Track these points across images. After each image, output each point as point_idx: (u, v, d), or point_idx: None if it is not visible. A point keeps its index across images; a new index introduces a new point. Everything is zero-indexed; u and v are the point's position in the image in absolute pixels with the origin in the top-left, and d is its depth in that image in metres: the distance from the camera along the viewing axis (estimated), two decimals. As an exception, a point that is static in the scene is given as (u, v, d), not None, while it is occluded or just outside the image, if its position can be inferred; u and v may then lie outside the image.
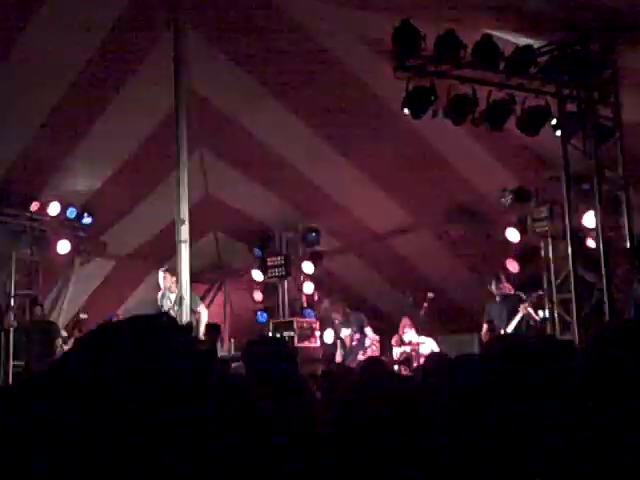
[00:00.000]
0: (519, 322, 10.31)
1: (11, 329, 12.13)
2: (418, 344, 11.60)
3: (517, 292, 10.95)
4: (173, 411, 1.26)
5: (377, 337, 12.51)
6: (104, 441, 1.22)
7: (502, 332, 10.29)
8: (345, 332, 12.38)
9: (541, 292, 10.88)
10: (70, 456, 1.21)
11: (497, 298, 10.74)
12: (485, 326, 10.74)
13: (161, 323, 1.37)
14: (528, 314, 10.30)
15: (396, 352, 12.18)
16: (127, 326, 1.36)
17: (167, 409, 1.25)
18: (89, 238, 12.98)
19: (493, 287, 10.80)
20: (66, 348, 12.27)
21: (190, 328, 1.38)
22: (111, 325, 1.38)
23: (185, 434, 1.27)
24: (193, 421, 1.29)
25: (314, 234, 13.92)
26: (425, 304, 11.54)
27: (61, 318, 13.16)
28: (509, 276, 11.39)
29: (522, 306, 10.32)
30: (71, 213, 12.54)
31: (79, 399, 1.24)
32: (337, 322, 12.62)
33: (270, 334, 13.03)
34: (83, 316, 12.91)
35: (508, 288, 10.86)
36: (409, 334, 11.85)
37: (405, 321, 12.03)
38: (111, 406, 1.23)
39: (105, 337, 1.33)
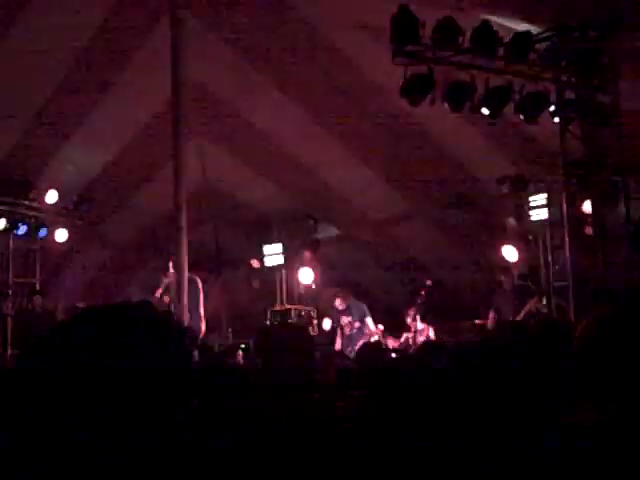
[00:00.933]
0: (527, 313, 10.25)
1: (9, 317, 12.15)
2: (416, 331, 11.61)
3: (527, 283, 10.91)
4: (139, 407, 1.22)
5: (380, 328, 12.42)
6: (63, 439, 1.18)
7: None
8: (345, 320, 12.29)
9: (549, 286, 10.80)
10: (25, 453, 1.19)
11: (507, 287, 10.65)
12: (492, 314, 10.72)
13: (132, 312, 1.32)
14: (537, 307, 10.25)
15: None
16: (93, 316, 1.31)
17: (135, 405, 1.21)
18: (87, 226, 12.97)
19: (502, 278, 10.73)
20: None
21: (168, 316, 1.34)
22: (81, 313, 1.34)
23: (160, 433, 1.22)
24: (167, 421, 1.24)
25: (312, 222, 13.92)
26: (423, 292, 11.54)
27: (59, 306, 13.17)
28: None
29: (531, 300, 10.27)
30: (69, 201, 12.53)
31: (40, 394, 1.20)
32: (339, 309, 12.48)
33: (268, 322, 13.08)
34: (80, 305, 12.90)
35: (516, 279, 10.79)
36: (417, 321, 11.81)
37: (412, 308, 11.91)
38: (71, 402, 1.19)
39: (72, 325, 1.29)
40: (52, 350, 1.25)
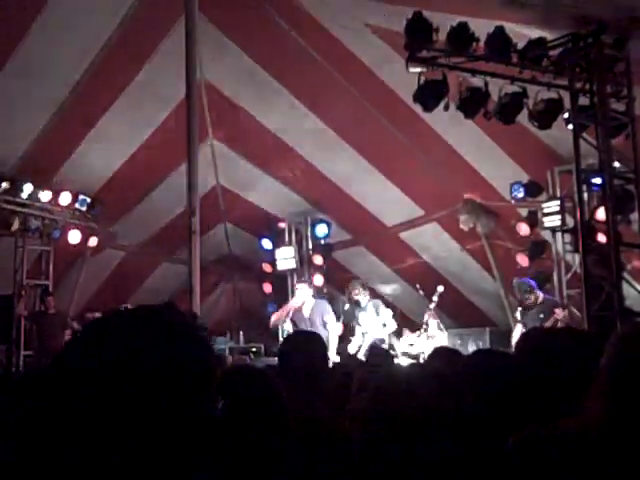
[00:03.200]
0: (552, 326, 10.09)
1: (22, 318, 12.20)
2: (429, 336, 11.56)
3: (553, 298, 10.80)
4: (174, 403, 1.24)
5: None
6: (105, 434, 1.21)
7: None
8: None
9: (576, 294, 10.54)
10: (72, 449, 1.21)
11: (532, 303, 10.49)
12: (518, 327, 10.63)
13: (164, 313, 1.34)
14: (563, 318, 10.13)
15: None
16: (127, 316, 1.33)
17: (168, 401, 1.24)
18: (100, 228, 13.02)
19: (527, 296, 10.57)
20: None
21: (195, 318, 1.35)
22: (111, 315, 1.36)
23: (188, 429, 1.25)
24: (196, 415, 1.27)
25: (324, 226, 13.93)
26: (435, 297, 11.51)
27: (72, 308, 13.21)
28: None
29: (557, 310, 10.15)
30: (82, 203, 12.57)
31: (80, 391, 1.23)
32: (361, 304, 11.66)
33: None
34: (96, 314, 12.92)
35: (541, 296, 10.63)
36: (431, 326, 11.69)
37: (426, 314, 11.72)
38: (111, 398, 1.21)
39: (104, 327, 1.31)
40: (89, 352, 1.27)
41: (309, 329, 10.45)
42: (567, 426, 1.79)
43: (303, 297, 11.20)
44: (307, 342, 3.97)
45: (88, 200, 12.57)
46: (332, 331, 10.85)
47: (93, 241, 13.07)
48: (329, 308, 11.19)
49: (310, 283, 11.78)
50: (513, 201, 11.85)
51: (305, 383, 3.46)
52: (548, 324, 10.00)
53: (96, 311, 12.86)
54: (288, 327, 11.54)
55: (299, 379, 3.45)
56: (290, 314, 11.12)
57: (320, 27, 9.47)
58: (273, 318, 11.67)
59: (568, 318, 10.23)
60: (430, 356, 6.49)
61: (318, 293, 13.18)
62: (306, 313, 11.10)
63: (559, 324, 10.00)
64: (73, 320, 12.49)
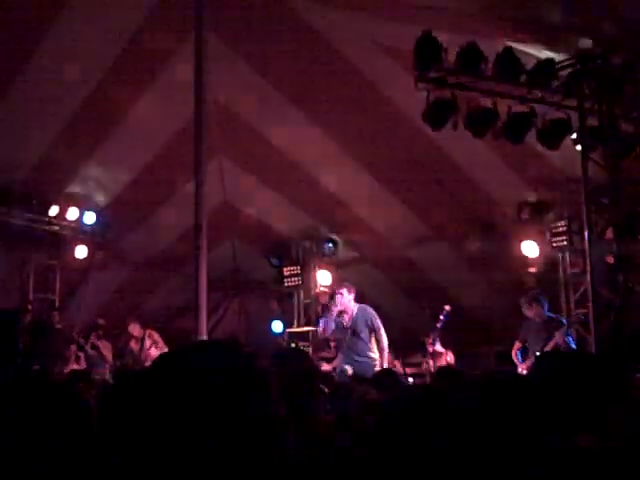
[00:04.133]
0: (555, 345, 10.01)
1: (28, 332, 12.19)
2: (435, 356, 11.51)
3: (559, 316, 10.72)
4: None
5: None
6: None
7: (536, 353, 9.96)
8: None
9: (583, 317, 10.34)
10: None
11: (536, 319, 10.41)
12: (517, 344, 10.59)
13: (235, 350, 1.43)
14: (564, 341, 10.04)
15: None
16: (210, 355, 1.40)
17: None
18: (106, 243, 13.03)
19: (531, 311, 10.46)
20: (81, 354, 12.32)
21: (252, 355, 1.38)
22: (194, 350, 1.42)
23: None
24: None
25: (331, 244, 13.92)
26: (442, 316, 11.46)
27: (78, 323, 13.21)
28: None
29: (558, 333, 10.07)
30: (89, 218, 12.59)
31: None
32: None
33: (287, 344, 13.05)
34: (100, 321, 12.94)
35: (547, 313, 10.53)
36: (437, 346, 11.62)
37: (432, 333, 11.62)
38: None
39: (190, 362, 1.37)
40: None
41: (349, 339, 10.10)
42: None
43: (343, 304, 10.29)
44: (289, 360, 3.93)
45: (95, 215, 12.59)
46: (382, 340, 10.08)
47: (100, 256, 13.08)
48: (374, 313, 10.31)
49: (350, 288, 10.53)
50: (521, 220, 11.83)
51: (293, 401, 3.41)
52: (551, 345, 9.97)
53: (100, 327, 12.91)
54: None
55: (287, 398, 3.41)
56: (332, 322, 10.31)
57: (331, 46, 9.48)
58: (320, 330, 10.98)
59: (568, 343, 10.13)
60: (435, 377, 6.46)
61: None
62: (346, 321, 10.30)
63: (562, 346, 9.96)
64: (79, 335, 12.49)
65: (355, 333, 10.10)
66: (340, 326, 10.27)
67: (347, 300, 10.27)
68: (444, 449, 1.88)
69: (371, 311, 10.26)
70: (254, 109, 10.79)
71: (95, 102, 10.09)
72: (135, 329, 12.76)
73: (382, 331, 10.12)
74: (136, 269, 13.96)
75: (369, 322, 10.12)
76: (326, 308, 10.88)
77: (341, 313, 10.30)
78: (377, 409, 2.12)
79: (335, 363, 10.89)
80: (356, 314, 10.21)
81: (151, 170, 11.55)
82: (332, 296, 10.81)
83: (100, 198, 12.40)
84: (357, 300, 10.50)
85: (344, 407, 4.56)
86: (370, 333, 10.09)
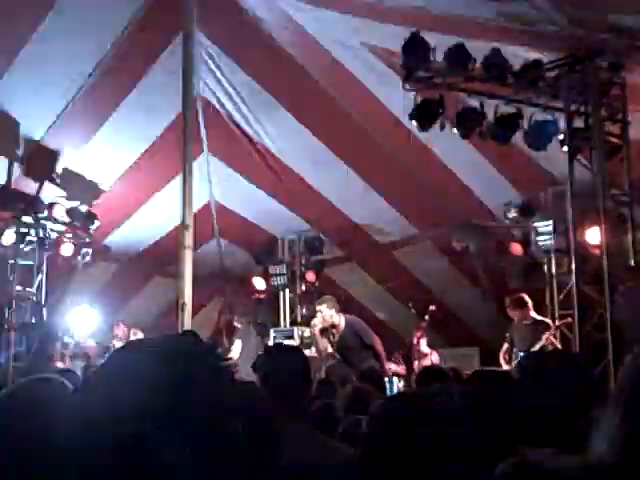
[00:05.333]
0: (541, 348, 10.02)
1: (12, 331, 12.13)
2: (420, 356, 11.54)
3: (546, 319, 10.75)
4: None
5: None
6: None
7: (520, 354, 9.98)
8: None
9: (570, 319, 10.17)
10: None
11: (522, 321, 10.42)
12: (505, 346, 10.62)
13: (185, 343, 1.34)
14: (551, 342, 10.07)
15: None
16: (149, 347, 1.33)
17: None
18: (93, 241, 12.97)
19: (517, 314, 10.46)
20: (66, 352, 12.27)
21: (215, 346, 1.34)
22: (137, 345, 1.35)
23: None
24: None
25: (317, 243, 13.92)
26: (427, 316, 11.50)
27: (63, 321, 13.14)
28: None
29: (545, 335, 10.10)
30: (75, 216, 12.53)
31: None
32: None
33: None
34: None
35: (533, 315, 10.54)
36: (422, 345, 11.63)
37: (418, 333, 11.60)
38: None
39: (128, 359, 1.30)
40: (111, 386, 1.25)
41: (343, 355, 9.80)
42: (568, 461, 1.75)
43: (327, 319, 10.08)
44: (288, 358, 3.92)
45: (82, 213, 12.53)
46: (378, 350, 9.83)
47: (85, 254, 13.02)
48: (364, 326, 10.12)
49: (329, 303, 10.27)
50: (506, 221, 11.88)
51: (287, 401, 3.40)
52: (538, 346, 10.00)
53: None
54: None
55: (280, 397, 3.40)
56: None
57: (318, 45, 9.50)
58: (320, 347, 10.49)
59: (555, 344, 10.17)
60: (419, 378, 6.46)
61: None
62: (335, 337, 10.02)
63: (549, 347, 10.00)
64: (64, 334, 12.44)
65: (348, 348, 9.91)
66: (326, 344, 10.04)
67: (328, 316, 10.10)
68: (428, 452, 1.87)
69: (361, 325, 10.07)
70: (243, 109, 10.79)
71: (82, 101, 10.05)
72: (119, 329, 12.72)
73: (376, 341, 9.95)
74: (122, 267, 13.93)
75: (361, 338, 9.89)
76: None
77: (325, 330, 10.11)
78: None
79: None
80: (344, 329, 10.03)
81: (138, 168, 11.52)
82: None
83: (86, 196, 12.34)
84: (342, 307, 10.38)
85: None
86: (362, 347, 9.84)
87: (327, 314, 10.18)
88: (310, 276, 14.11)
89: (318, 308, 10.31)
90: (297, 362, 3.76)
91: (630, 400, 2.37)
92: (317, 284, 14.09)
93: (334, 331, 10.07)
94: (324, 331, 10.17)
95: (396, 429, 1.92)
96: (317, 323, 10.21)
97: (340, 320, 10.19)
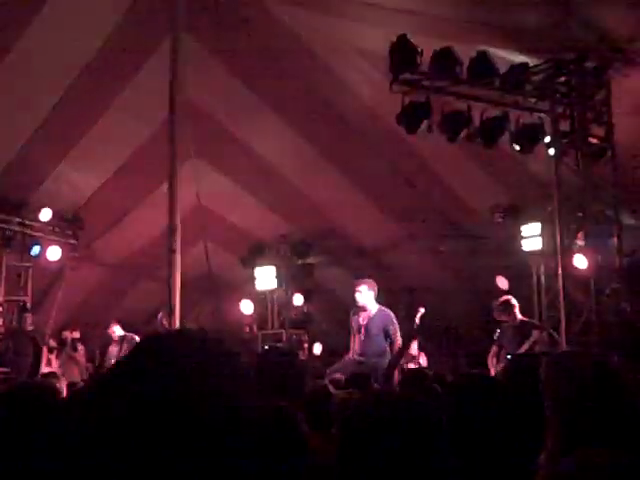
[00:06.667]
0: (530, 348, 10.04)
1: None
2: (409, 358, 11.53)
3: (533, 321, 10.77)
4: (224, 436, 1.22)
5: None
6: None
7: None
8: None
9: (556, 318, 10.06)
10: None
11: (510, 323, 10.42)
12: (494, 348, 10.62)
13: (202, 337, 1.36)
14: (540, 340, 10.07)
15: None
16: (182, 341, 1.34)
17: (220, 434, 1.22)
18: (80, 245, 12.94)
19: (508, 315, 10.45)
20: (53, 357, 12.21)
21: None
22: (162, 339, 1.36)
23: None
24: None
25: (305, 246, 13.92)
26: (416, 320, 11.49)
27: (50, 326, 13.09)
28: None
29: (535, 332, 10.10)
30: (63, 219, 12.51)
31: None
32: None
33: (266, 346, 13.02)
34: (75, 335, 12.79)
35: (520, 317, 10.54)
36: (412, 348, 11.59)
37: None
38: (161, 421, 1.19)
39: (158, 350, 1.30)
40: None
41: (361, 339, 9.60)
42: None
43: (362, 299, 9.72)
44: (282, 361, 3.93)
45: (69, 217, 12.51)
46: (396, 343, 9.46)
47: (73, 258, 12.99)
48: (393, 319, 9.75)
49: (371, 284, 9.90)
50: (494, 224, 11.91)
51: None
52: (525, 347, 10.01)
53: (74, 329, 12.80)
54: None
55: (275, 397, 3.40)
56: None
57: (305, 48, 9.51)
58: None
59: (546, 340, 10.20)
60: (404, 380, 6.46)
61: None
62: (362, 319, 9.72)
63: (537, 347, 10.01)
64: (50, 338, 12.38)
65: (368, 334, 9.61)
66: (354, 324, 9.79)
67: (366, 297, 9.79)
68: (407, 453, 1.86)
69: (390, 316, 9.78)
70: (229, 111, 10.78)
71: (69, 104, 10.03)
72: (114, 332, 12.60)
73: (398, 335, 9.59)
74: (109, 271, 13.89)
75: (386, 327, 9.57)
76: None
77: (358, 310, 9.82)
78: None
79: None
80: (374, 314, 9.74)
81: (125, 171, 11.50)
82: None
83: (73, 199, 12.31)
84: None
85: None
86: (385, 337, 9.55)
87: (366, 295, 9.77)
88: (298, 279, 14.11)
89: (358, 288, 9.83)
90: (291, 365, 3.79)
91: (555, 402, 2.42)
92: (305, 287, 14.10)
93: (363, 314, 9.73)
94: (357, 311, 9.82)
95: (367, 431, 1.91)
96: (357, 301, 9.79)
97: (374, 307, 9.82)
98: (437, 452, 1.89)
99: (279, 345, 12.53)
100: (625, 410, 2.59)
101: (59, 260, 12.88)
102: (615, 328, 8.68)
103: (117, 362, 1.31)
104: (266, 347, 11.26)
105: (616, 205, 9.03)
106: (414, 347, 11.56)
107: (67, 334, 12.69)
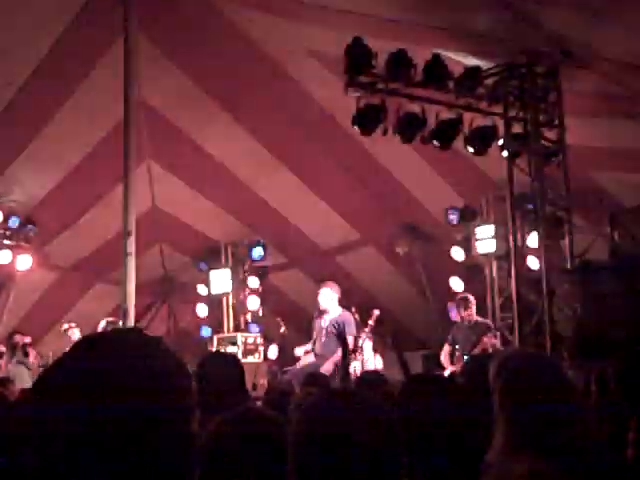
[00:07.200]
0: (483, 348, 10.09)
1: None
2: (363, 360, 11.55)
3: (487, 321, 10.86)
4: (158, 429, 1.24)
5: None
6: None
7: (464, 357, 10.08)
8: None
9: (510, 321, 10.25)
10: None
11: (465, 322, 10.51)
12: (446, 347, 10.69)
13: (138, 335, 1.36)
14: (492, 344, 10.14)
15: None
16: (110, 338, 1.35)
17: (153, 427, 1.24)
18: (32, 249, 12.75)
19: (462, 313, 10.52)
20: (2, 362, 12.00)
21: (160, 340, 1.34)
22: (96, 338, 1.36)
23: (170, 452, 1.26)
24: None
25: (260, 249, 13.89)
26: (370, 321, 11.53)
27: (0, 330, 12.90)
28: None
29: (486, 338, 10.18)
30: (14, 222, 12.31)
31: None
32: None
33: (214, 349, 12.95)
34: (27, 340, 12.57)
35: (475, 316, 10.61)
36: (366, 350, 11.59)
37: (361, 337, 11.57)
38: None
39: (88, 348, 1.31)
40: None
41: (322, 340, 9.77)
42: None
43: (324, 302, 9.93)
44: (223, 365, 3.94)
45: (20, 220, 12.32)
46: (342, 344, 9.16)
47: (24, 261, 12.79)
48: (351, 322, 9.87)
49: (334, 287, 10.09)
50: (448, 226, 12.01)
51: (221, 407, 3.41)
52: (478, 349, 10.10)
53: (26, 333, 12.59)
54: None
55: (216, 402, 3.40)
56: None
57: (260, 49, 9.51)
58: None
59: (497, 345, 10.27)
60: (359, 382, 6.48)
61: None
62: (324, 322, 9.90)
63: (490, 348, 10.10)
64: (0, 343, 12.18)
65: (328, 336, 9.78)
66: (317, 326, 9.95)
67: (329, 300, 9.98)
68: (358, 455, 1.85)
69: (349, 320, 9.88)
70: (185, 114, 10.73)
71: (21, 104, 9.89)
72: (75, 335, 12.32)
73: (347, 338, 9.37)
74: (62, 275, 13.71)
75: (339, 326, 9.65)
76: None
77: (321, 313, 9.99)
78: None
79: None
80: (336, 317, 9.89)
81: (78, 173, 11.37)
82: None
83: (25, 201, 12.13)
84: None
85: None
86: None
87: (329, 298, 10.00)
88: (253, 282, 14.08)
89: (321, 290, 10.09)
90: (233, 370, 3.79)
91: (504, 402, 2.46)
92: (260, 290, 14.06)
93: (325, 317, 9.95)
94: (320, 314, 10.02)
95: (319, 428, 1.90)
96: (319, 302, 9.99)
97: (336, 311, 10.01)
98: (388, 451, 1.88)
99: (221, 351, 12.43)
100: (569, 409, 2.64)
101: (10, 264, 12.68)
102: (566, 328, 8.79)
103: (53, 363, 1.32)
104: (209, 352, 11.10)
105: (568, 207, 9.16)
106: (368, 349, 11.58)
107: (18, 338, 12.47)
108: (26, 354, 12.23)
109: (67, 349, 1.36)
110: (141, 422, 1.22)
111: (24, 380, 11.47)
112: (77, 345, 1.32)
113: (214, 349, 13.18)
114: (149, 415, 1.23)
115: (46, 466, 1.19)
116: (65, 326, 11.84)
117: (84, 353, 1.28)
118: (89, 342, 1.32)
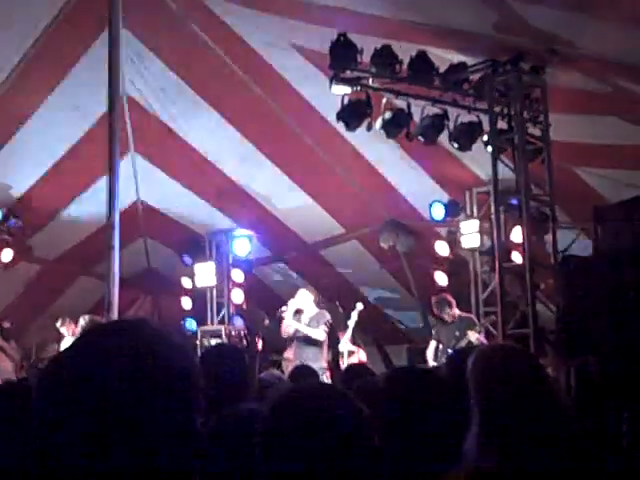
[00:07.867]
0: (467, 345, 10.12)
1: None
2: (346, 353, 11.59)
3: (471, 316, 10.90)
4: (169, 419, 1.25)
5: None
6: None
7: (447, 351, 10.13)
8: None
9: (494, 317, 10.25)
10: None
11: (449, 319, 10.54)
12: (433, 343, 10.72)
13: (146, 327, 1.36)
14: (476, 340, 10.18)
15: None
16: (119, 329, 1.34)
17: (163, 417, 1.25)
18: (15, 241, 12.70)
19: (447, 312, 10.54)
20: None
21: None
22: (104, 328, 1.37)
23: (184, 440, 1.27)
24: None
25: (245, 242, 13.88)
26: (354, 315, 11.57)
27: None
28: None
29: (470, 332, 10.23)
30: (-3, 215, 12.27)
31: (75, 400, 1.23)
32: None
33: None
34: (6, 324, 12.53)
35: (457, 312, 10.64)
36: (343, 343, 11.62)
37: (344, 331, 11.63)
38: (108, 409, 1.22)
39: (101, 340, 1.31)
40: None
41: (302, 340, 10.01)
42: None
43: (300, 303, 10.25)
44: (227, 357, 3.94)
45: (3, 212, 12.26)
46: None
47: (7, 254, 12.74)
48: (325, 319, 10.00)
49: (311, 291, 10.57)
50: (432, 220, 12.04)
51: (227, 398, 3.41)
52: (463, 343, 10.14)
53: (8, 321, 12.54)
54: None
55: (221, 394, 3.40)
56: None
57: (245, 44, 9.48)
58: (282, 326, 10.42)
59: (481, 341, 10.31)
60: (344, 375, 6.51)
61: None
62: (304, 320, 10.16)
63: (475, 343, 10.14)
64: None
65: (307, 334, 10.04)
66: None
67: (305, 300, 10.27)
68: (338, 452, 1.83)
69: (325, 317, 10.03)
70: (169, 107, 10.69)
71: (5, 97, 9.83)
72: (70, 328, 12.19)
73: (317, 332, 9.92)
74: (45, 268, 13.66)
75: (313, 323, 10.00)
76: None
77: (297, 313, 10.26)
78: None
79: None
80: (311, 317, 10.15)
81: (62, 166, 11.32)
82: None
83: (9, 195, 12.08)
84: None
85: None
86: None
87: (306, 299, 10.33)
88: (238, 276, 14.07)
89: (298, 292, 10.46)
90: (239, 362, 3.81)
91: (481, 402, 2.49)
92: (244, 283, 14.07)
93: (301, 317, 10.21)
94: (296, 313, 10.28)
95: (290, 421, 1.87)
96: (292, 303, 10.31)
97: (313, 310, 10.27)
98: (362, 445, 1.86)
99: (225, 343, 12.44)
100: (545, 402, 2.68)
101: (-6, 256, 12.63)
102: (549, 321, 8.84)
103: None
104: (212, 344, 11.15)
105: (551, 203, 9.19)
106: (349, 343, 11.61)
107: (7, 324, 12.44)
108: (6, 339, 12.17)
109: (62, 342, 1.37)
110: (148, 412, 1.23)
111: (6, 370, 11.45)
112: (90, 333, 1.33)
113: (198, 342, 13.21)
114: (159, 406, 1.24)
115: (47, 461, 1.20)
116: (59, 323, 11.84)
117: (102, 339, 1.30)
118: (103, 330, 1.33)
